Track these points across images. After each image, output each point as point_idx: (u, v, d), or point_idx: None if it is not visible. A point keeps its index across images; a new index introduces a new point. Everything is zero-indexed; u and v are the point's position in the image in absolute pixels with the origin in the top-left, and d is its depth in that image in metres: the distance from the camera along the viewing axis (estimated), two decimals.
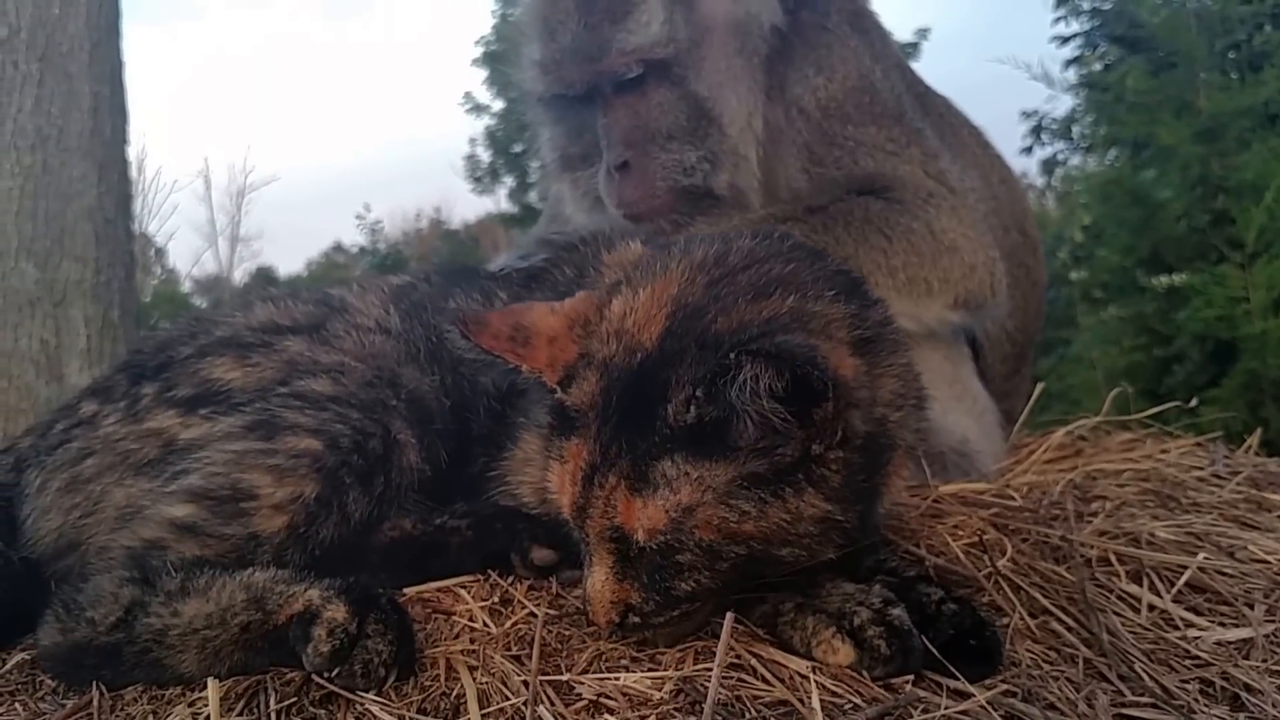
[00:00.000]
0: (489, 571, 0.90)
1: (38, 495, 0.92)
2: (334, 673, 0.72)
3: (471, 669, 0.75)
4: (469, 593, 0.87)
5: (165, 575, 0.79)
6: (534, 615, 0.82)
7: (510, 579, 0.89)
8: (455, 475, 0.95)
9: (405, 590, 0.88)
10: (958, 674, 0.73)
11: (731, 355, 0.66)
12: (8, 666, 0.84)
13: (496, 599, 0.86)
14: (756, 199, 1.49)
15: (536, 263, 1.13)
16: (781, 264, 0.80)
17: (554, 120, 1.57)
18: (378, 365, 0.95)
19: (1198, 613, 0.92)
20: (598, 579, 0.75)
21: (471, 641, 0.79)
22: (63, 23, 2.41)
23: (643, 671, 0.74)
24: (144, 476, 0.88)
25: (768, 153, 1.49)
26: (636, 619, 0.74)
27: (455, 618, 0.83)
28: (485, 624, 0.82)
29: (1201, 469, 1.32)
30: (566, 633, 0.80)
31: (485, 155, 6.76)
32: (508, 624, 0.81)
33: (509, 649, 0.78)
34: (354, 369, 0.93)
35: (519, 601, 0.85)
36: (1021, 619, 0.87)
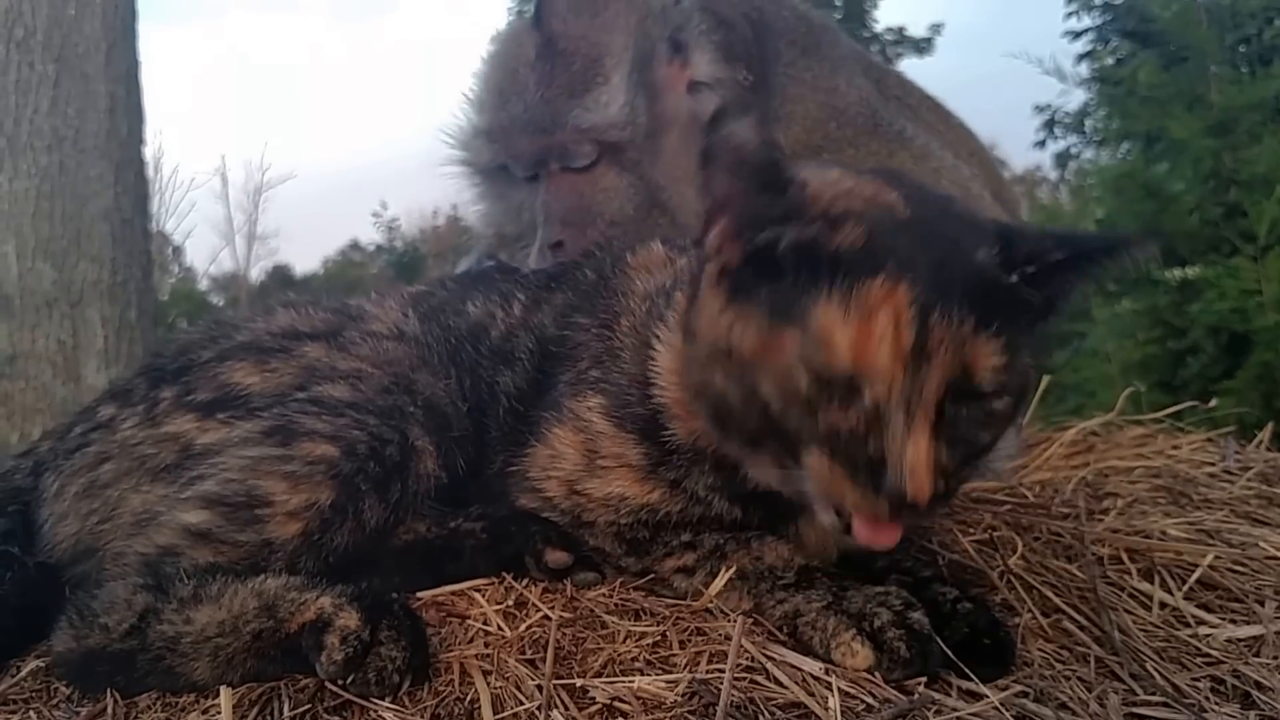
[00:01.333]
0: (504, 574, 0.90)
1: (55, 500, 0.92)
2: (348, 680, 0.72)
3: (486, 673, 0.75)
4: (483, 596, 0.88)
5: (179, 582, 0.79)
6: (548, 618, 0.82)
7: (525, 582, 0.89)
8: (473, 482, 0.95)
9: (420, 594, 0.88)
10: (972, 675, 0.73)
11: None
12: (23, 673, 0.85)
13: (511, 602, 0.86)
14: None
15: (554, 265, 1.14)
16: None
17: (495, 196, 1.50)
18: (395, 371, 0.95)
19: (1209, 610, 0.92)
20: (923, 443, 0.65)
21: (486, 645, 0.80)
22: (79, 24, 2.42)
23: (656, 674, 0.74)
24: (161, 482, 0.89)
25: None
26: (948, 483, 0.68)
27: (469, 621, 0.84)
28: (500, 627, 0.82)
29: (1213, 465, 1.32)
30: (581, 635, 0.80)
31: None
32: (522, 627, 0.82)
33: (523, 653, 0.79)
34: (371, 375, 0.93)
35: (533, 604, 0.86)
36: (1033, 617, 0.87)
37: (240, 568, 0.82)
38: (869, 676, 0.74)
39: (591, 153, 1.36)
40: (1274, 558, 1.02)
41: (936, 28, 6.45)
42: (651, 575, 0.89)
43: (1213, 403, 1.74)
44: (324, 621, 0.74)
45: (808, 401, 0.68)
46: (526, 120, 1.36)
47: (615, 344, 0.92)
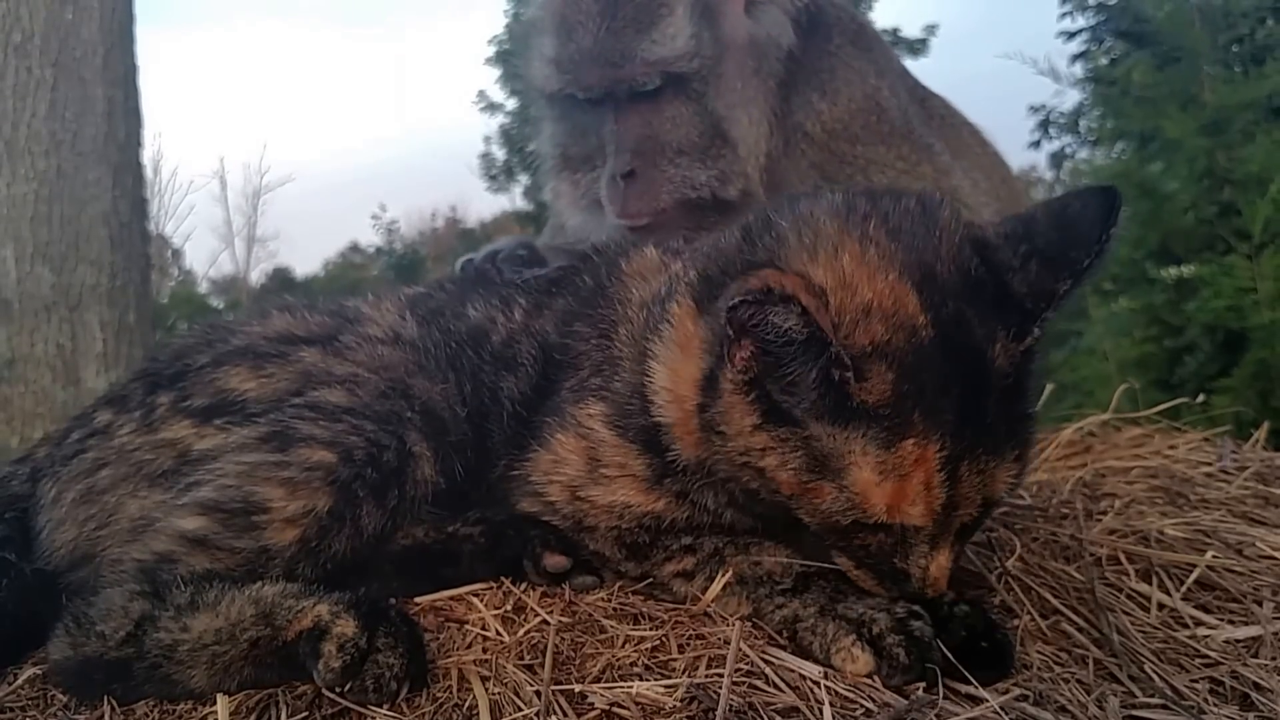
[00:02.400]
0: (502, 579, 0.90)
1: (53, 506, 0.92)
2: (345, 688, 0.72)
3: (484, 679, 0.75)
4: (482, 601, 0.87)
5: (175, 589, 0.79)
6: (547, 623, 0.82)
7: (523, 586, 0.89)
8: (471, 487, 0.95)
9: (418, 599, 0.88)
10: (971, 678, 0.73)
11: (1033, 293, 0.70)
12: (19, 681, 0.84)
13: (509, 607, 0.86)
14: (761, 203, 1.48)
15: (554, 270, 1.13)
16: (879, 199, 0.80)
17: (558, 117, 1.55)
18: (392, 376, 0.94)
19: (1207, 610, 0.92)
20: (943, 560, 0.74)
21: (484, 651, 0.79)
22: (76, 28, 2.43)
23: (654, 679, 0.74)
24: (158, 488, 0.88)
25: (773, 170, 1.48)
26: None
27: (468, 626, 0.84)
28: (498, 632, 0.82)
29: (1209, 464, 1.32)
30: (580, 640, 0.80)
31: (500, 153, 6.77)
32: (520, 632, 0.82)
33: (521, 658, 0.78)
34: (368, 380, 0.93)
35: (532, 609, 0.85)
36: (1032, 619, 0.87)
37: (237, 574, 0.81)
38: (868, 680, 0.74)
39: (659, 82, 1.40)
40: (1271, 558, 1.02)
41: (931, 29, 6.48)
42: (650, 580, 0.89)
43: (1200, 398, 1.75)
44: (321, 629, 0.74)
45: (842, 531, 0.75)
46: (595, 53, 1.39)
47: (615, 353, 0.92)
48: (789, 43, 1.47)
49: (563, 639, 0.80)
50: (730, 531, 0.87)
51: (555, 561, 0.90)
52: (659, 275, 0.96)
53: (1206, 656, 0.84)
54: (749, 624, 0.81)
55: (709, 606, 0.83)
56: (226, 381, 0.94)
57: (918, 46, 6.30)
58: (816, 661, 0.76)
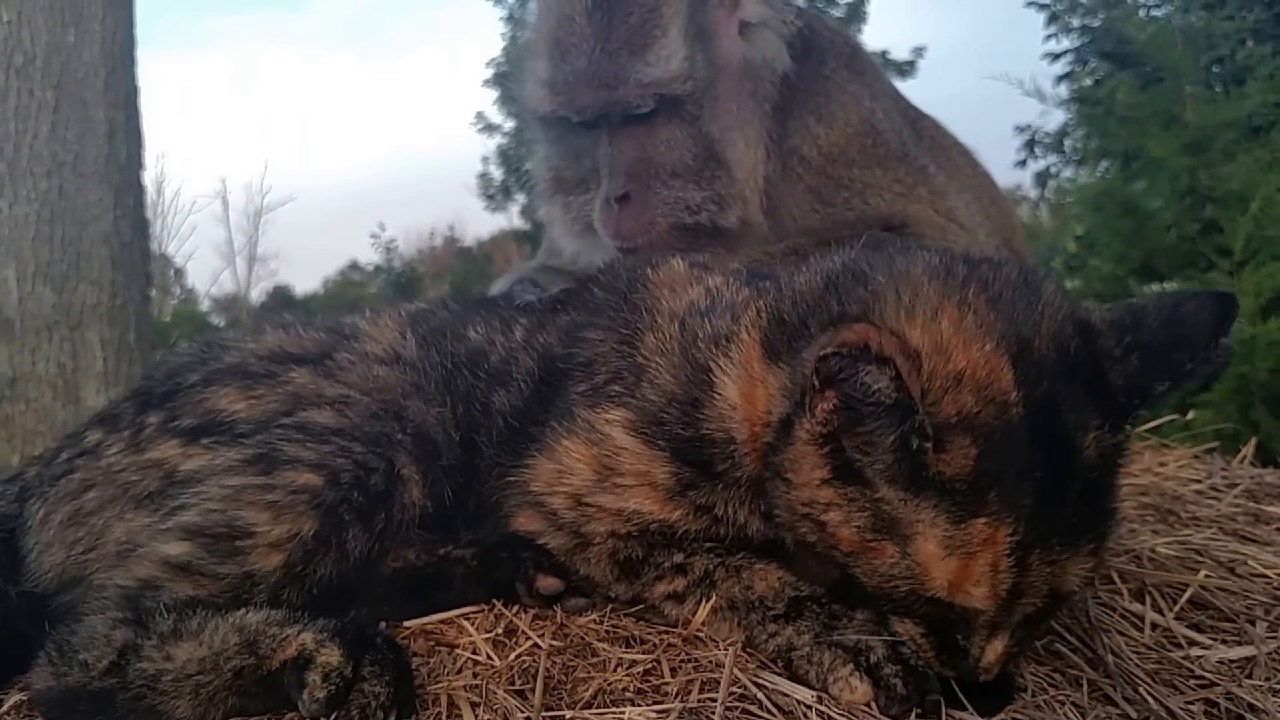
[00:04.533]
0: (494, 601, 0.89)
1: (41, 528, 0.91)
2: (331, 718, 0.71)
3: (474, 705, 0.74)
4: (472, 624, 0.86)
5: (159, 616, 0.78)
6: (538, 647, 0.81)
7: (515, 609, 0.88)
8: (460, 511, 0.94)
9: (408, 623, 0.87)
10: (969, 706, 0.72)
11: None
12: (5, 707, 0.83)
13: (500, 630, 0.85)
14: (758, 236, 1.48)
15: (558, 291, 1.12)
16: (978, 265, 0.78)
17: (552, 140, 1.55)
18: (384, 398, 0.93)
19: (1200, 630, 0.92)
20: (1001, 646, 0.71)
21: (474, 676, 0.78)
22: (78, 50, 2.44)
23: (647, 704, 0.74)
24: (144, 510, 0.87)
25: (771, 195, 1.48)
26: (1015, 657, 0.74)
27: (458, 651, 0.83)
28: (489, 657, 0.81)
29: (1199, 481, 1.33)
30: (571, 664, 0.80)
31: (497, 173, 6.83)
32: (511, 656, 0.81)
33: (512, 683, 0.77)
34: (359, 401, 0.92)
35: (523, 632, 0.85)
36: None
37: (222, 601, 0.80)
38: (865, 708, 0.73)
39: (653, 105, 1.40)
40: (1263, 576, 1.02)
41: (919, 50, 6.60)
42: (641, 604, 0.88)
43: (1190, 414, 1.78)
44: (306, 658, 0.73)
45: (899, 599, 0.72)
46: (589, 75, 1.39)
47: (640, 360, 0.90)
48: (784, 66, 1.48)
49: (554, 663, 0.79)
50: (749, 547, 0.86)
51: (548, 584, 0.89)
52: (691, 288, 0.95)
53: (1201, 677, 0.84)
54: (738, 646, 0.80)
55: (700, 631, 0.82)
56: (216, 401, 0.93)
57: (906, 68, 6.41)
58: (813, 689, 0.75)
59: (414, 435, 0.91)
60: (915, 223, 1.45)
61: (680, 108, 1.41)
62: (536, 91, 1.47)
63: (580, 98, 1.42)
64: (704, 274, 0.98)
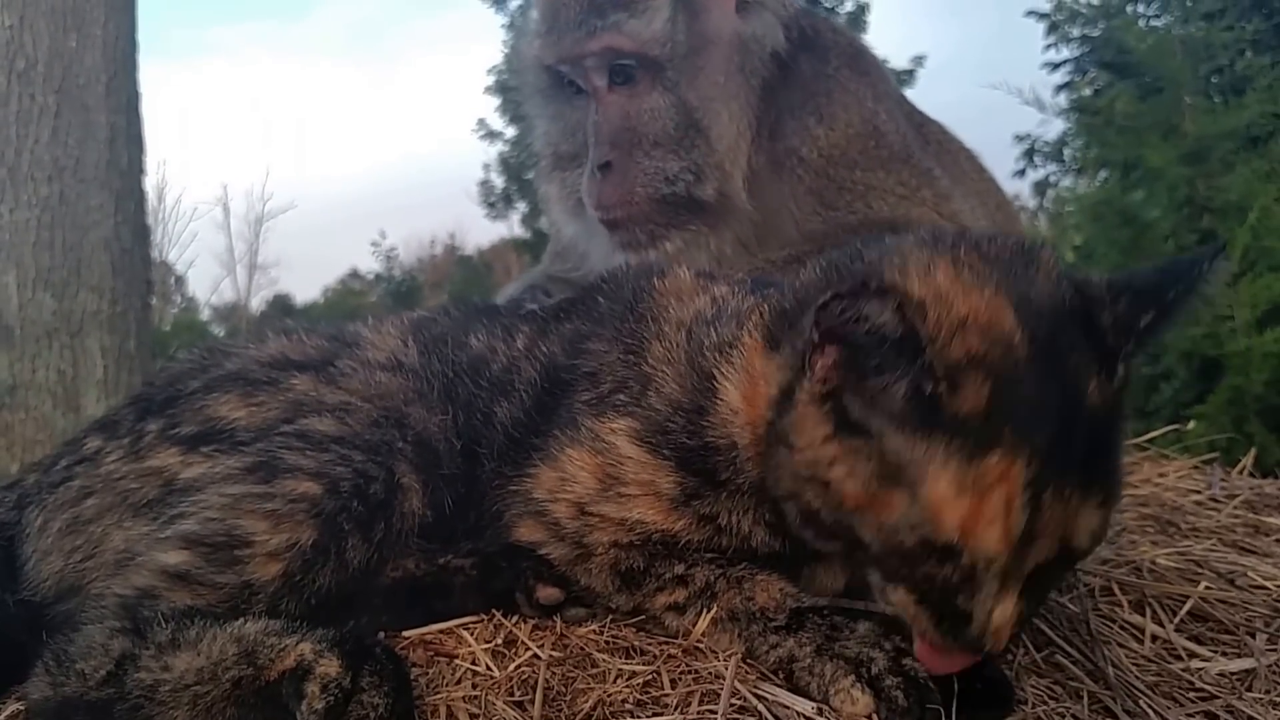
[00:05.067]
0: (493, 611, 0.89)
1: (39, 536, 0.90)
2: None
3: (473, 716, 0.74)
4: (472, 634, 0.86)
5: (157, 626, 0.77)
6: (538, 657, 0.81)
7: (515, 619, 0.88)
8: (461, 521, 0.94)
9: (407, 633, 0.87)
10: (970, 718, 0.72)
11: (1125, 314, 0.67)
12: (2, 717, 0.82)
13: (500, 640, 0.85)
14: (743, 214, 1.49)
15: (560, 300, 1.12)
16: (969, 233, 0.80)
17: (551, 115, 1.58)
18: (385, 405, 0.93)
19: (1200, 642, 0.92)
20: (1009, 606, 0.68)
21: (474, 687, 0.78)
22: (79, 55, 2.45)
23: (647, 716, 0.73)
24: (142, 518, 0.87)
25: (769, 194, 1.49)
26: (1018, 631, 0.71)
27: (457, 661, 0.82)
28: (488, 667, 0.81)
29: (1199, 492, 1.33)
30: (571, 675, 0.79)
31: (499, 181, 6.84)
32: (511, 667, 0.80)
33: (511, 694, 0.77)
34: (360, 409, 0.91)
35: (523, 643, 0.84)
36: (1026, 652, 0.87)
37: (220, 610, 0.80)
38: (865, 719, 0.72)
39: (631, 63, 1.43)
40: (1263, 588, 1.02)
41: (919, 59, 6.65)
42: (642, 615, 0.88)
43: (1190, 424, 1.78)
44: (304, 668, 0.73)
45: (907, 554, 0.69)
46: (576, 23, 1.44)
47: (646, 369, 0.90)
48: (777, 45, 1.49)
49: (554, 674, 0.79)
50: (754, 559, 0.85)
51: (548, 594, 0.89)
52: (697, 297, 0.95)
53: (1201, 690, 0.84)
54: (738, 657, 0.80)
55: (699, 642, 0.82)
56: (216, 409, 0.93)
57: (905, 77, 6.45)
58: (814, 700, 0.75)
59: (415, 443, 0.91)
60: (920, 226, 1.46)
61: (662, 73, 1.43)
62: (530, 44, 1.53)
63: (564, 45, 1.46)
64: (710, 283, 0.98)
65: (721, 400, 0.83)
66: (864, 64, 1.60)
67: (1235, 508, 1.26)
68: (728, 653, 0.81)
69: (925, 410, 0.67)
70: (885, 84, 1.64)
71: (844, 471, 0.70)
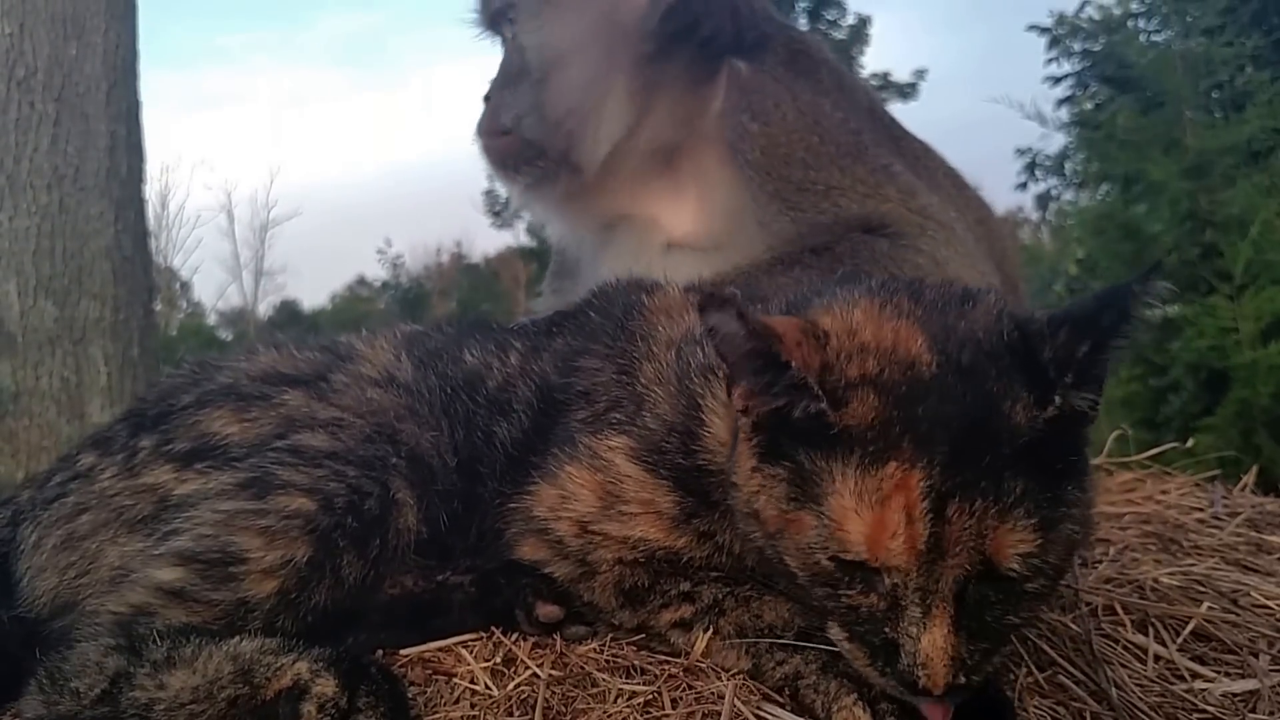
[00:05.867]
0: (492, 629, 0.88)
1: (33, 552, 0.90)
2: None
3: None
4: (471, 652, 0.85)
5: (152, 644, 0.77)
6: (537, 676, 0.80)
7: (514, 637, 0.87)
8: (457, 538, 0.93)
9: (405, 650, 0.86)
10: None
11: (1077, 339, 0.66)
12: None
13: (499, 659, 0.84)
14: (599, 181, 1.57)
15: (552, 314, 1.11)
16: (924, 282, 0.82)
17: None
18: (378, 420, 0.92)
19: (1203, 662, 0.92)
20: (939, 635, 0.65)
21: (472, 706, 0.77)
22: (79, 63, 2.45)
23: None
24: (137, 535, 0.86)
25: (723, 195, 1.52)
26: (970, 675, 0.67)
27: (456, 680, 0.82)
28: (487, 686, 0.80)
29: (1201, 510, 1.33)
30: (571, 694, 0.79)
31: (504, 190, 6.85)
32: (510, 686, 0.80)
33: (510, 714, 0.77)
34: (353, 424, 0.91)
35: (522, 661, 0.84)
36: (1029, 672, 0.86)
37: (215, 628, 0.79)
38: None
39: (506, 6, 1.59)
40: (1265, 607, 1.02)
41: (921, 73, 6.69)
42: (646, 632, 0.87)
43: (1190, 442, 1.78)
44: (300, 688, 0.72)
45: (828, 580, 0.70)
46: None
47: (639, 389, 0.90)
48: (639, 12, 1.56)
49: (553, 693, 0.78)
50: (748, 577, 0.85)
51: (548, 611, 0.88)
52: (686, 314, 0.96)
53: (1205, 711, 0.83)
54: (742, 678, 0.79)
55: (707, 659, 0.82)
56: (209, 424, 0.92)
57: (907, 90, 6.50)
58: (816, 718, 0.74)
59: (409, 459, 0.91)
60: (894, 222, 1.46)
61: (516, 19, 1.56)
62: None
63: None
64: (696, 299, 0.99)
65: (708, 431, 0.84)
66: (804, 63, 1.61)
67: (1237, 526, 1.25)
68: (733, 669, 0.80)
69: (821, 428, 0.68)
70: (835, 81, 1.64)
71: (765, 499, 0.72)
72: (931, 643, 0.65)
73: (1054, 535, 0.66)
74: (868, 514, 0.66)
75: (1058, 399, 0.67)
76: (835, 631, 0.72)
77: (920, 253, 1.43)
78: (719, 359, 0.74)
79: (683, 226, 1.57)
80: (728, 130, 1.51)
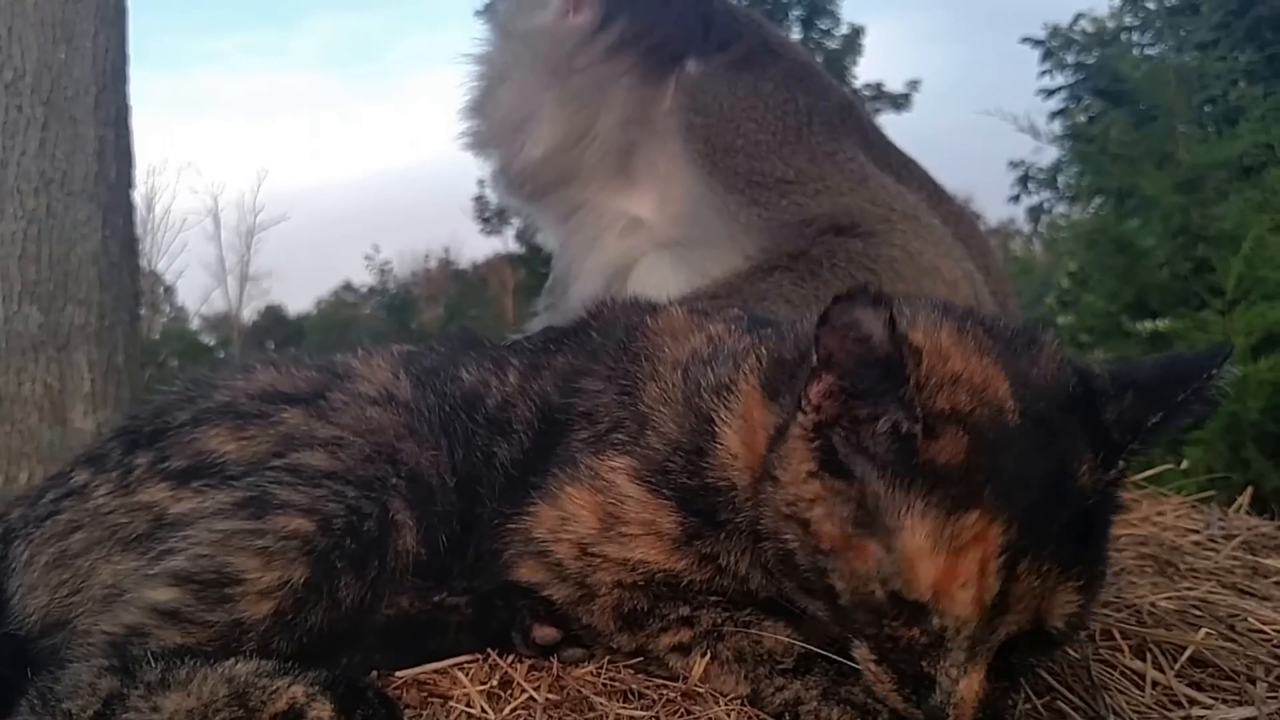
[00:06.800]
0: (489, 651, 0.88)
1: (25, 570, 0.89)
2: None
3: None
4: (467, 675, 0.85)
5: (146, 665, 0.76)
6: (534, 700, 0.80)
7: (510, 659, 0.87)
8: (456, 559, 0.92)
9: (401, 672, 0.85)
10: None
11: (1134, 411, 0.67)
12: None
13: (495, 682, 0.84)
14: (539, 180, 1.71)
15: (547, 331, 1.12)
16: (975, 311, 0.83)
17: None
18: (378, 440, 0.91)
19: (1201, 689, 0.91)
20: (976, 680, 0.66)
21: None
22: (69, 67, 2.44)
23: None
24: (131, 553, 0.85)
25: (686, 194, 1.57)
26: (992, 714, 0.68)
27: (452, 703, 0.81)
28: (483, 710, 0.79)
29: (1197, 532, 1.33)
30: (567, 718, 0.78)
31: (494, 196, 6.86)
32: (506, 710, 0.79)
33: None
34: (352, 443, 0.90)
35: (518, 684, 0.83)
36: (1027, 698, 0.85)
37: (210, 649, 0.78)
38: None
39: None
40: (1261, 632, 1.02)
41: (914, 84, 6.73)
42: (644, 656, 0.87)
43: (1184, 464, 1.80)
44: (296, 712, 0.72)
45: (874, 608, 0.69)
46: None
47: (643, 409, 0.89)
48: (546, 23, 1.70)
49: (549, 717, 0.78)
50: (749, 601, 0.85)
51: (545, 634, 0.88)
52: (692, 335, 0.95)
53: None
54: (740, 704, 0.78)
55: (705, 683, 0.81)
56: (206, 442, 0.91)
57: (900, 101, 6.53)
58: None
59: (408, 479, 0.90)
60: (862, 220, 1.49)
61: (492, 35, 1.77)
62: None
63: None
64: (704, 321, 0.98)
65: (720, 445, 0.83)
66: (759, 60, 1.66)
67: (1234, 549, 1.25)
68: (732, 694, 0.80)
69: (905, 455, 0.66)
70: (786, 77, 1.67)
71: (823, 512, 0.70)
72: (968, 686, 0.66)
73: (1095, 593, 0.68)
74: (942, 559, 0.65)
75: (1121, 463, 0.68)
76: (862, 653, 0.71)
77: (893, 246, 1.46)
78: (817, 348, 0.70)
79: (645, 218, 1.63)
80: (677, 127, 1.57)
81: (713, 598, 0.85)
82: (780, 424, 0.77)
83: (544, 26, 1.69)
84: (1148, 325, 3.26)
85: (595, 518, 0.86)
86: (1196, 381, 0.70)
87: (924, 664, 0.68)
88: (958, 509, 0.64)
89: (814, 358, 0.71)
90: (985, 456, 0.66)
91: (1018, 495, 0.65)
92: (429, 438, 0.95)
